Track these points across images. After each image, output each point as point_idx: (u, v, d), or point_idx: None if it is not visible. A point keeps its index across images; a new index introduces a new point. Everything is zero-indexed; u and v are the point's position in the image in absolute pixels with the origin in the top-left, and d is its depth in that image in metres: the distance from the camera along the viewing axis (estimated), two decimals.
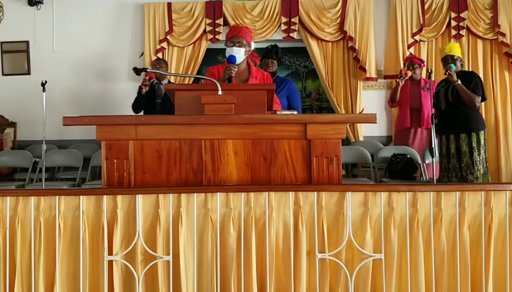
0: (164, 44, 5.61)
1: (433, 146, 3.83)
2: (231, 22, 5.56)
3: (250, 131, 2.14)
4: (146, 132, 2.14)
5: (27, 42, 5.73)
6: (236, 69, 2.82)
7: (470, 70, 5.16)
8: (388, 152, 4.68)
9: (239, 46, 2.92)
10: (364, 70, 5.51)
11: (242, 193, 1.95)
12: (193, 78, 5.76)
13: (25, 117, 5.61)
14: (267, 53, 4.28)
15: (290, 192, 1.96)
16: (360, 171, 5.35)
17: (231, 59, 2.84)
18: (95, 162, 4.69)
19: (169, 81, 4.76)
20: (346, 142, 5.45)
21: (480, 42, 5.54)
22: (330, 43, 5.64)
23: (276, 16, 5.61)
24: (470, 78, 3.96)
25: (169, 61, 5.59)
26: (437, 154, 3.87)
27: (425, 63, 5.28)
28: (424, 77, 4.93)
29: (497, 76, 5.51)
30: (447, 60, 4.04)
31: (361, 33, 5.55)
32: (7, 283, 1.92)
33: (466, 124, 3.92)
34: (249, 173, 2.14)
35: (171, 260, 1.92)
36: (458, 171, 3.93)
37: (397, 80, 4.76)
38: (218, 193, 1.95)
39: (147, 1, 5.65)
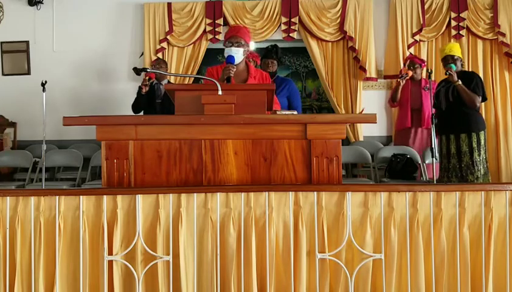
0: (164, 44, 5.61)
1: (433, 146, 3.83)
2: (232, 22, 5.56)
3: (250, 131, 2.14)
4: (146, 132, 2.14)
5: (27, 42, 5.73)
6: (234, 69, 2.81)
7: (470, 70, 5.17)
8: (388, 152, 4.68)
9: (238, 46, 2.92)
10: (364, 70, 5.51)
11: (242, 193, 1.95)
12: (193, 78, 5.76)
13: (25, 117, 5.61)
14: (267, 53, 4.28)
15: (290, 192, 1.96)
16: (360, 171, 5.35)
17: (230, 59, 2.84)
18: (95, 162, 4.69)
19: (168, 82, 4.76)
20: (346, 142, 5.45)
21: (480, 42, 5.54)
22: (330, 43, 5.63)
23: (276, 16, 5.61)
24: (470, 78, 3.96)
25: (169, 61, 5.60)
26: (437, 154, 3.87)
27: (426, 63, 5.28)
28: (424, 77, 4.93)
29: (497, 76, 5.51)
30: (448, 60, 4.04)
31: (361, 33, 5.55)
32: (7, 283, 1.92)
33: (466, 124, 3.91)
34: (248, 173, 2.14)
35: (171, 260, 1.92)
36: (458, 172, 3.93)
37: (398, 80, 4.76)
38: (218, 193, 1.95)
39: (147, 1, 5.65)
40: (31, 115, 5.42)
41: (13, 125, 5.67)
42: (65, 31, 5.70)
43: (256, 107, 2.24)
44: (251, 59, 4.09)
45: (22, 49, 5.74)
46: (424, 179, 4.53)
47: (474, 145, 3.88)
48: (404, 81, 4.71)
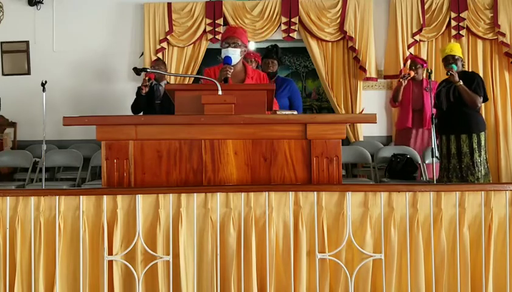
0: (164, 44, 5.61)
1: (433, 146, 3.83)
2: (232, 22, 5.56)
3: (250, 131, 2.14)
4: (146, 132, 2.14)
5: (27, 42, 5.73)
6: (232, 70, 2.80)
7: (470, 70, 5.16)
8: (388, 152, 4.68)
9: (235, 47, 2.90)
10: (364, 70, 5.51)
11: (242, 193, 1.95)
12: (193, 78, 5.77)
13: (25, 117, 5.61)
14: (268, 53, 4.29)
15: (290, 192, 1.96)
16: (360, 171, 5.35)
17: (227, 60, 2.83)
18: (95, 162, 4.69)
19: (167, 83, 4.76)
20: (346, 142, 5.45)
21: (480, 42, 5.54)
22: (330, 43, 5.63)
23: (276, 16, 5.61)
24: (471, 79, 3.95)
25: (169, 61, 5.60)
26: (437, 155, 3.87)
27: (427, 63, 5.27)
28: (425, 77, 4.93)
29: (497, 77, 5.51)
30: (449, 60, 4.03)
31: (361, 33, 5.54)
32: (7, 283, 1.92)
33: (467, 125, 3.91)
34: (249, 173, 2.14)
35: (171, 260, 1.92)
36: (458, 172, 3.93)
37: (400, 80, 4.76)
38: (218, 193, 1.95)
39: (147, 1, 5.66)
40: (31, 115, 5.42)
41: (13, 125, 5.67)
42: (65, 31, 5.70)
43: (256, 107, 2.24)
44: (253, 59, 4.10)
45: (22, 49, 5.74)
46: (424, 179, 4.53)
47: (475, 145, 3.88)
48: (406, 82, 4.71)
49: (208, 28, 5.61)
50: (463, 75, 3.98)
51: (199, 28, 5.62)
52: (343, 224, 1.94)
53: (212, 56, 6.06)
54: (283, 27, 5.60)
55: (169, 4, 5.61)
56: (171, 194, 1.94)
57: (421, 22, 5.53)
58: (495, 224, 1.96)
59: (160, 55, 5.57)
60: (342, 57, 5.65)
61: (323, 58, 5.66)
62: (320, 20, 5.57)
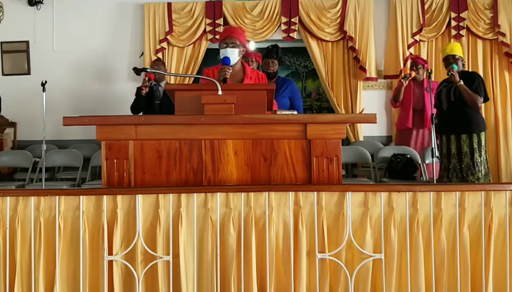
0: (164, 44, 5.61)
1: (433, 146, 3.83)
2: (232, 22, 5.56)
3: (250, 131, 2.14)
4: (146, 132, 2.14)
5: (27, 42, 5.73)
6: (230, 71, 2.80)
7: (470, 70, 5.16)
8: (388, 152, 4.68)
9: (233, 47, 2.90)
10: (364, 70, 5.51)
11: (242, 193, 1.95)
12: (193, 78, 5.77)
13: (25, 117, 5.61)
14: (268, 53, 4.29)
15: (290, 192, 1.96)
16: (360, 171, 5.35)
17: (226, 60, 2.83)
18: (95, 162, 4.69)
19: (167, 83, 4.76)
20: (346, 142, 5.45)
21: (480, 42, 5.54)
22: (330, 43, 5.63)
23: (276, 16, 5.61)
24: (472, 79, 3.95)
25: (169, 61, 5.60)
26: (437, 154, 3.87)
27: (428, 64, 5.26)
28: (424, 77, 4.92)
29: (497, 77, 5.51)
30: (449, 60, 4.02)
31: (361, 33, 5.54)
32: (7, 283, 1.92)
33: (467, 125, 3.91)
34: (249, 173, 2.14)
35: (171, 260, 1.92)
36: (458, 172, 3.93)
37: (401, 80, 4.75)
38: (218, 193, 1.95)
39: (147, 1, 5.66)
40: (31, 115, 5.42)
41: (13, 125, 5.67)
42: (65, 31, 5.70)
43: (256, 107, 2.24)
44: (253, 59, 4.10)
45: (22, 49, 5.74)
46: (424, 179, 4.53)
47: (475, 145, 3.88)
48: (407, 82, 4.70)
49: (208, 28, 5.61)
50: (464, 75, 3.98)
51: (199, 28, 5.62)
52: (343, 224, 1.94)
53: (212, 56, 6.06)
54: (283, 27, 5.60)
55: (169, 4, 5.61)
56: (171, 194, 1.94)
57: (421, 22, 5.53)
58: (495, 224, 1.96)
59: (160, 55, 5.57)
60: (342, 57, 5.65)
61: (323, 58, 5.66)
62: (320, 20, 5.57)
